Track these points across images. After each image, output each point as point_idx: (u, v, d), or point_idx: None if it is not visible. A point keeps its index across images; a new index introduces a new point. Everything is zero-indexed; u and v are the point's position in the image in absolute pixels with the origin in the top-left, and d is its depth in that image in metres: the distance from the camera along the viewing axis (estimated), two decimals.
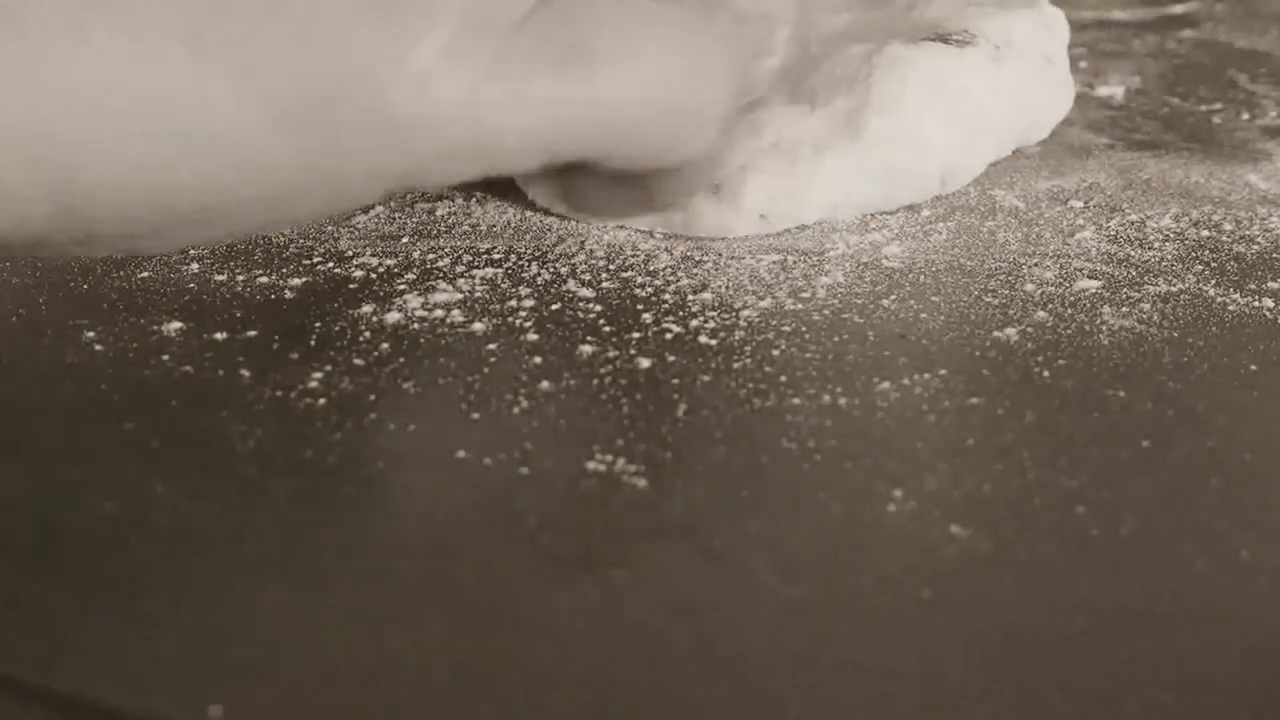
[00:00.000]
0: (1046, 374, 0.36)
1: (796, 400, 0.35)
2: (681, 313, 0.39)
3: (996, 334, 0.38)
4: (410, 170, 0.33)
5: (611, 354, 0.37)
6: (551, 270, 0.41)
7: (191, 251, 0.43)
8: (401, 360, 0.37)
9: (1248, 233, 0.43)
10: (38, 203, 0.30)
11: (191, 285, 0.41)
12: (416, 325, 0.39)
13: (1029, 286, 0.40)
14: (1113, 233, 0.43)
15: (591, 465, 0.33)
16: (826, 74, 0.43)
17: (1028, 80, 0.45)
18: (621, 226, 0.43)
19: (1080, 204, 0.45)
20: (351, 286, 0.41)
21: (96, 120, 0.30)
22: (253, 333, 0.38)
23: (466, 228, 0.44)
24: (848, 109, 0.42)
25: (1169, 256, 0.42)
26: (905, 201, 0.44)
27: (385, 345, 0.38)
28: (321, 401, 0.35)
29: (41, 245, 0.32)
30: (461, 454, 0.33)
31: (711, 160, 0.38)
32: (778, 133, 0.42)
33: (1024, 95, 0.45)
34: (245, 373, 0.37)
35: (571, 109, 0.33)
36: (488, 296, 0.40)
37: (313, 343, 0.38)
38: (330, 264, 0.42)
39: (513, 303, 0.40)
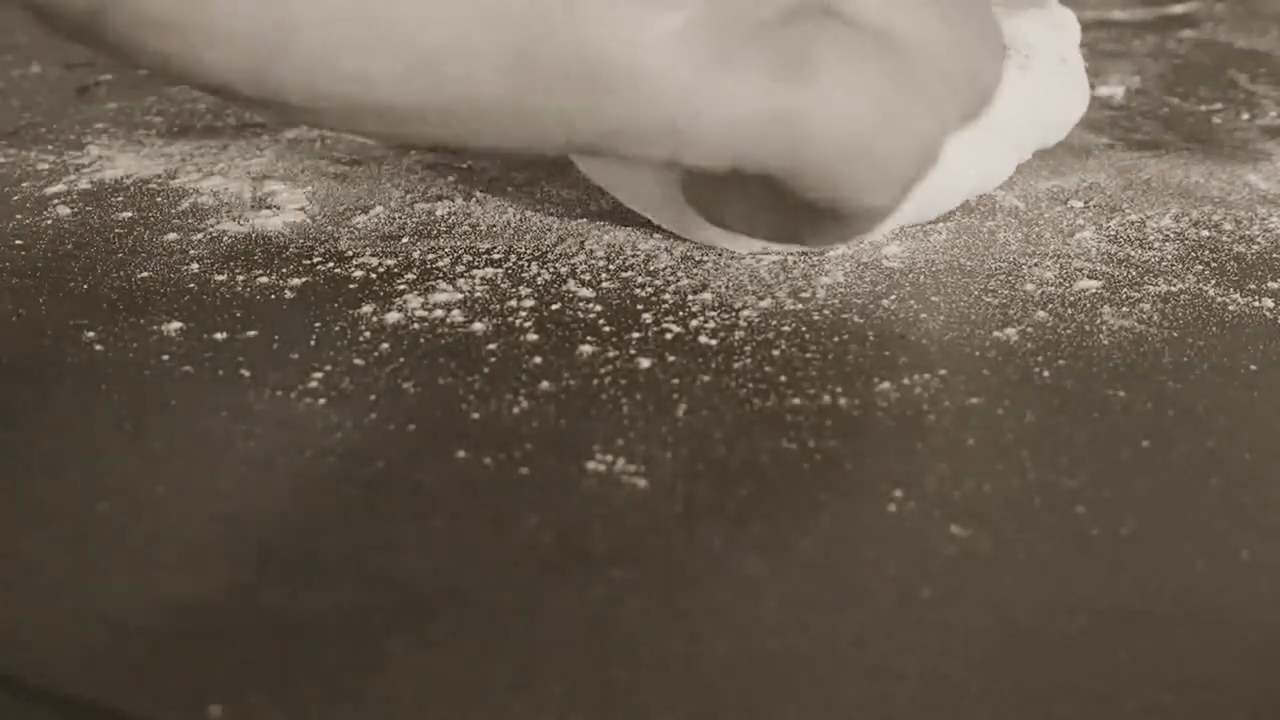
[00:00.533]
0: (1046, 374, 0.36)
1: (796, 400, 0.35)
2: (681, 313, 0.39)
3: (996, 334, 0.38)
4: (604, 130, 0.33)
5: (611, 354, 0.37)
6: (551, 270, 0.41)
7: (191, 251, 0.43)
8: (401, 360, 0.37)
9: (1248, 233, 0.43)
10: (264, 52, 0.32)
11: (191, 285, 0.41)
12: (416, 325, 0.39)
13: (1029, 286, 0.40)
14: (1113, 233, 0.43)
15: (591, 465, 0.33)
16: None
17: (1048, 86, 0.45)
18: (622, 226, 0.43)
19: (1080, 204, 0.45)
20: (351, 286, 0.41)
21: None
22: (253, 333, 0.38)
23: (466, 228, 0.44)
24: None
25: (1169, 256, 0.42)
26: (933, 217, 0.43)
27: (385, 345, 0.38)
28: (321, 401, 0.35)
29: (250, 88, 0.33)
30: (461, 454, 0.33)
31: (880, 216, 0.38)
32: None
33: (1044, 101, 0.45)
34: (245, 373, 0.37)
35: (780, 118, 0.33)
36: (488, 296, 0.40)
37: (313, 343, 0.38)
38: (330, 264, 0.42)
39: (513, 303, 0.40)
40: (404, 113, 0.33)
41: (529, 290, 0.40)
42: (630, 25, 0.32)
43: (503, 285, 0.40)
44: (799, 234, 0.39)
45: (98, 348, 0.38)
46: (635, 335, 0.38)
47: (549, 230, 0.44)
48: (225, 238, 0.44)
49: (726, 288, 0.40)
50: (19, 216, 0.46)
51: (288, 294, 0.40)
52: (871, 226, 0.39)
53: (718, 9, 0.32)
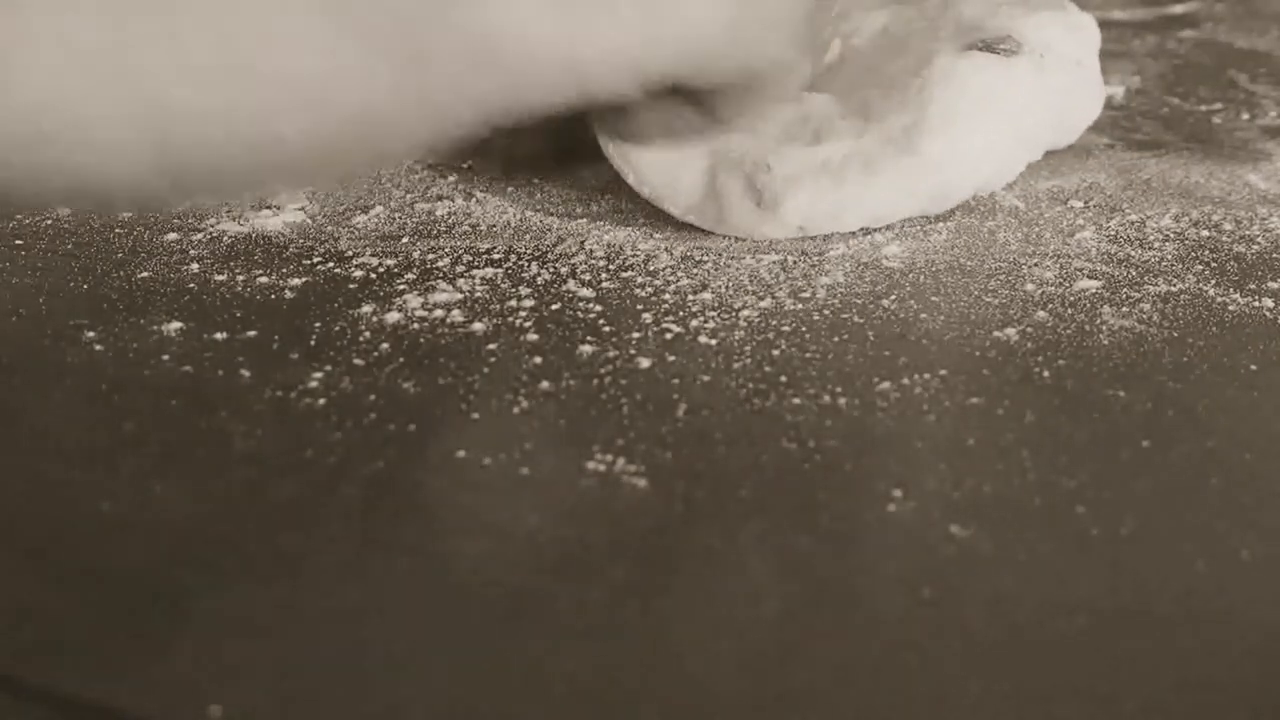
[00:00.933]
0: (1046, 374, 0.36)
1: (796, 400, 0.35)
2: (681, 313, 0.39)
3: (996, 334, 0.38)
4: (505, 92, 0.33)
5: (611, 354, 0.37)
6: (551, 270, 0.41)
7: (191, 251, 0.43)
8: (401, 360, 0.37)
9: (1248, 233, 0.43)
10: (141, 155, 0.31)
11: (191, 285, 0.41)
12: (416, 325, 0.39)
13: (1029, 286, 0.40)
14: (1113, 233, 0.43)
15: (591, 465, 0.33)
16: (877, 84, 0.43)
17: (1064, 87, 0.45)
18: (622, 226, 0.43)
19: (1080, 204, 0.45)
20: (351, 286, 0.41)
21: (187, 71, 0.30)
22: (253, 333, 0.38)
23: (466, 228, 0.44)
24: (903, 126, 0.42)
25: (1169, 256, 0.42)
26: (940, 210, 0.44)
27: (385, 345, 0.38)
28: (321, 401, 0.35)
29: (147, 198, 0.32)
30: (461, 454, 0.33)
31: (784, 75, 0.38)
32: (831, 150, 0.42)
33: (1060, 102, 0.45)
34: (245, 373, 0.37)
35: (658, 25, 0.33)
36: (488, 296, 0.40)
37: (313, 343, 0.38)
38: (330, 264, 0.42)
39: (513, 303, 0.40)
40: (308, 152, 0.32)
41: (529, 290, 0.40)
42: None
43: (503, 285, 0.40)
44: (721, 116, 0.39)
45: (98, 348, 0.38)
46: (635, 335, 0.38)
47: (549, 230, 0.44)
48: (225, 238, 0.44)
49: (726, 288, 0.40)
50: (19, 216, 0.46)
51: (288, 294, 0.40)
52: (782, 84, 0.39)
53: None
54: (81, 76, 0.30)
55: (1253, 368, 0.36)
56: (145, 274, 0.42)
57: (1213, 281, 0.40)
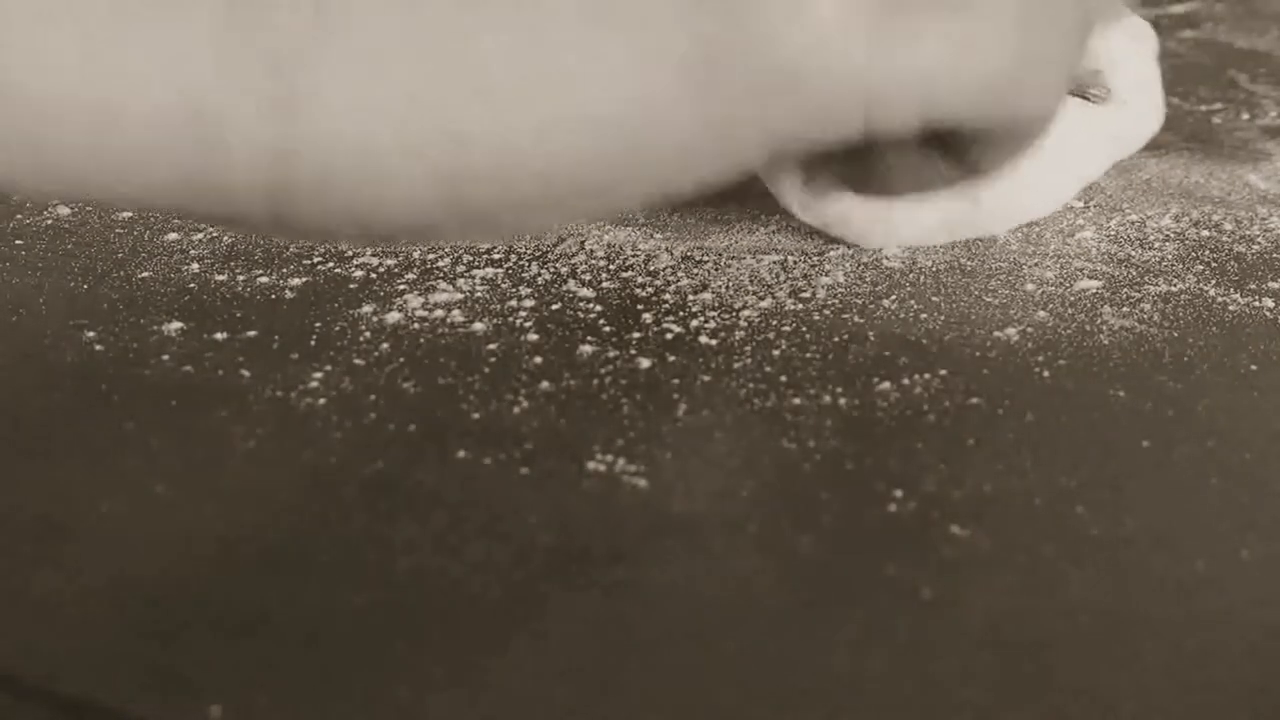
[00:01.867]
0: (1046, 374, 0.36)
1: (796, 400, 0.35)
2: (681, 313, 0.39)
3: (996, 334, 0.38)
4: (799, 127, 0.32)
5: (611, 354, 0.37)
6: (551, 270, 0.41)
7: (191, 251, 0.43)
8: (401, 360, 0.37)
9: (1248, 233, 0.43)
10: (425, 189, 0.29)
11: (191, 285, 0.41)
12: (416, 325, 0.39)
13: (1029, 286, 0.40)
14: (1113, 233, 0.43)
15: (591, 465, 0.33)
16: None
17: (1133, 114, 0.45)
18: (622, 226, 0.43)
19: (1080, 204, 0.45)
20: (351, 286, 0.41)
21: (485, 101, 0.29)
22: (253, 333, 0.38)
23: None
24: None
25: (1169, 256, 0.42)
26: (1007, 228, 0.44)
27: (385, 345, 0.38)
28: (321, 401, 0.35)
29: (428, 231, 0.31)
30: (461, 454, 0.33)
31: (1045, 124, 0.37)
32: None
33: (1129, 129, 0.45)
34: (245, 373, 0.37)
35: (953, 59, 0.33)
36: (488, 296, 0.40)
37: (313, 343, 0.38)
38: (330, 264, 0.42)
39: (513, 303, 0.40)
40: (598, 185, 0.31)
41: (529, 290, 0.40)
42: (790, 6, 0.30)
43: (503, 285, 0.40)
44: (975, 166, 0.39)
45: (98, 348, 0.38)
46: (635, 335, 0.38)
47: (549, 230, 0.44)
48: (225, 238, 0.44)
49: (726, 288, 0.40)
50: (19, 216, 0.46)
51: (288, 294, 0.40)
52: (1042, 131, 0.39)
53: None
54: (381, 112, 0.29)
55: (1253, 368, 0.36)
56: (145, 274, 0.42)
57: (1213, 281, 0.40)
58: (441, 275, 0.41)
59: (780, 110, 0.31)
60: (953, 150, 0.36)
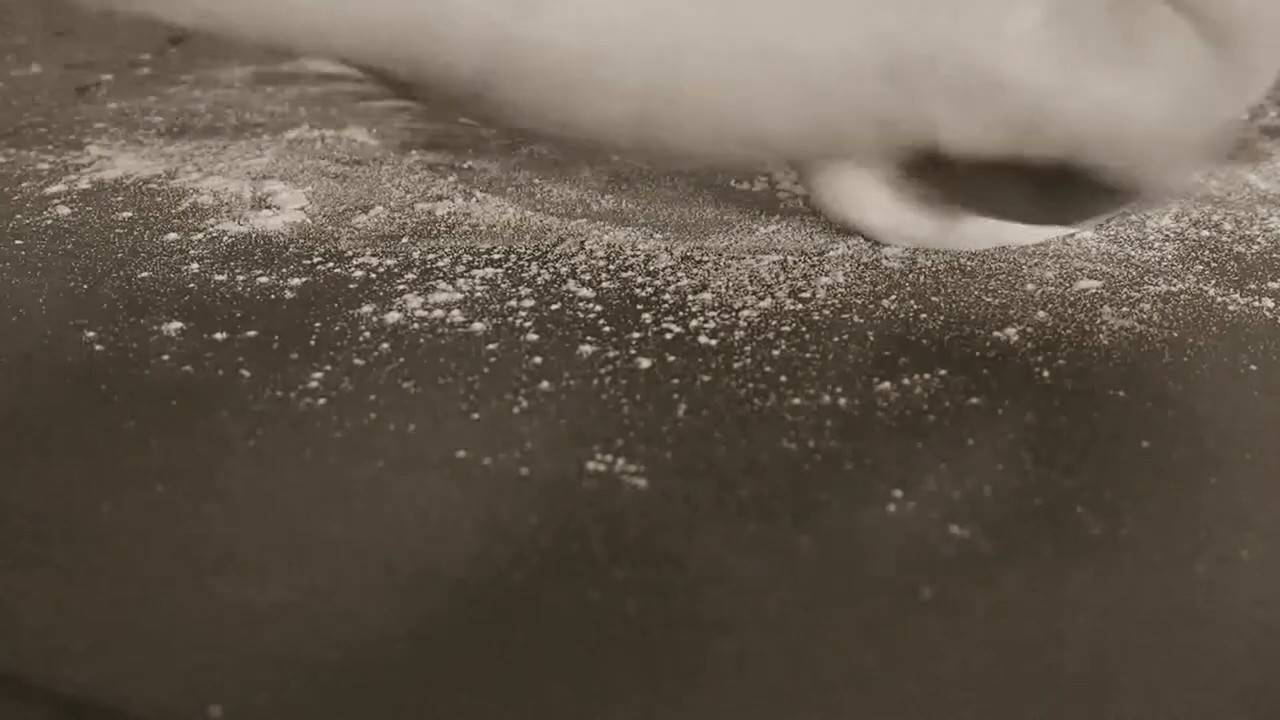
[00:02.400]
0: (1046, 374, 0.36)
1: (796, 400, 0.35)
2: (681, 313, 0.39)
3: (996, 334, 0.38)
4: (980, 131, 0.33)
5: (611, 354, 0.37)
6: (551, 270, 0.41)
7: (191, 251, 0.43)
8: (401, 360, 0.37)
9: (1248, 233, 0.43)
10: (625, 104, 0.32)
11: (191, 285, 0.41)
12: (416, 325, 0.39)
13: (1029, 286, 0.40)
14: (1113, 233, 0.43)
15: (591, 465, 0.33)
16: None
17: None
18: (622, 226, 0.43)
19: None
20: (351, 286, 0.41)
21: (705, 42, 0.31)
22: (253, 333, 0.38)
23: (466, 228, 0.44)
24: None
25: (1169, 256, 0.42)
26: None
27: (385, 345, 0.38)
28: (321, 401, 0.35)
29: (611, 143, 0.34)
30: (461, 454, 0.33)
31: (1177, 191, 0.38)
32: None
33: None
34: (245, 373, 0.37)
35: (1117, 105, 0.33)
36: (488, 296, 0.40)
37: (313, 343, 0.38)
38: (330, 264, 0.42)
39: (513, 303, 0.40)
40: (789, 139, 0.34)
41: (529, 290, 0.40)
42: (994, 23, 0.32)
43: (503, 285, 0.40)
44: (1083, 212, 0.39)
45: (98, 348, 0.38)
46: (635, 335, 0.38)
47: (549, 230, 0.44)
48: (225, 238, 0.44)
49: (726, 288, 0.40)
50: (19, 216, 0.46)
51: (288, 294, 0.40)
52: (1162, 198, 0.39)
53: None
54: (609, 23, 0.31)
55: (1253, 368, 0.36)
56: (145, 274, 0.42)
57: (1213, 281, 0.40)
58: (441, 275, 0.41)
59: (966, 112, 0.32)
60: (1072, 191, 0.37)
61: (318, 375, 0.36)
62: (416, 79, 0.33)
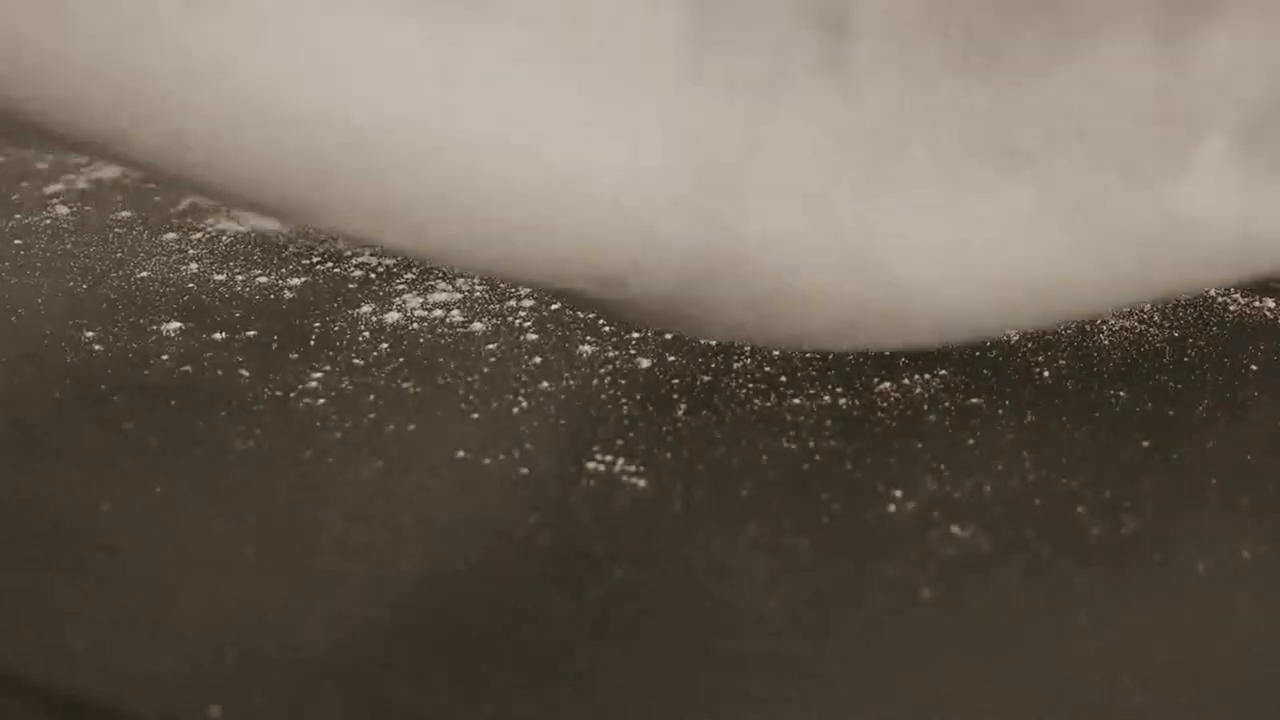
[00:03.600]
0: (1046, 374, 0.36)
1: (796, 400, 0.35)
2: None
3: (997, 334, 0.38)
4: (1180, 273, 0.33)
5: (611, 354, 0.37)
6: None
7: (190, 251, 0.43)
8: (401, 360, 0.37)
9: None
10: (827, 320, 0.31)
11: (190, 285, 0.41)
12: (416, 325, 0.39)
13: None
14: None
15: (591, 465, 0.33)
16: None
17: None
18: None
19: None
20: (351, 286, 0.41)
21: (910, 251, 0.31)
22: (252, 333, 0.38)
23: None
24: None
25: None
26: None
27: (385, 345, 0.38)
28: (321, 401, 0.35)
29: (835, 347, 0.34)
30: (461, 454, 0.33)
31: None
32: None
33: None
34: (245, 373, 0.37)
35: None
36: (487, 296, 0.40)
37: (312, 343, 0.38)
38: (330, 264, 0.42)
39: (512, 303, 0.40)
40: (982, 320, 0.33)
41: (528, 290, 0.40)
42: (1177, 155, 0.31)
43: (502, 285, 0.40)
44: None
45: (96, 348, 0.38)
46: (635, 335, 0.38)
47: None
48: (225, 237, 0.44)
49: None
50: (18, 216, 0.46)
51: (287, 294, 0.40)
52: None
53: (1256, 115, 0.31)
54: (803, 247, 0.30)
55: (1253, 368, 0.36)
56: (144, 274, 0.42)
57: None
58: (441, 275, 0.41)
59: (1158, 253, 0.32)
60: None
61: (317, 375, 0.36)
62: (615, 303, 0.32)
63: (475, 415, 0.35)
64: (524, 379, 0.36)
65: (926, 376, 0.36)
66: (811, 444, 0.34)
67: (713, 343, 0.37)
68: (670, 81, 0.29)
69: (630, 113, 0.29)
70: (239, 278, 0.41)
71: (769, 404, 0.35)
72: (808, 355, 0.37)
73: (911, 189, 0.30)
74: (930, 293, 0.31)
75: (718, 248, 0.30)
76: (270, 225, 0.44)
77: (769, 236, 0.30)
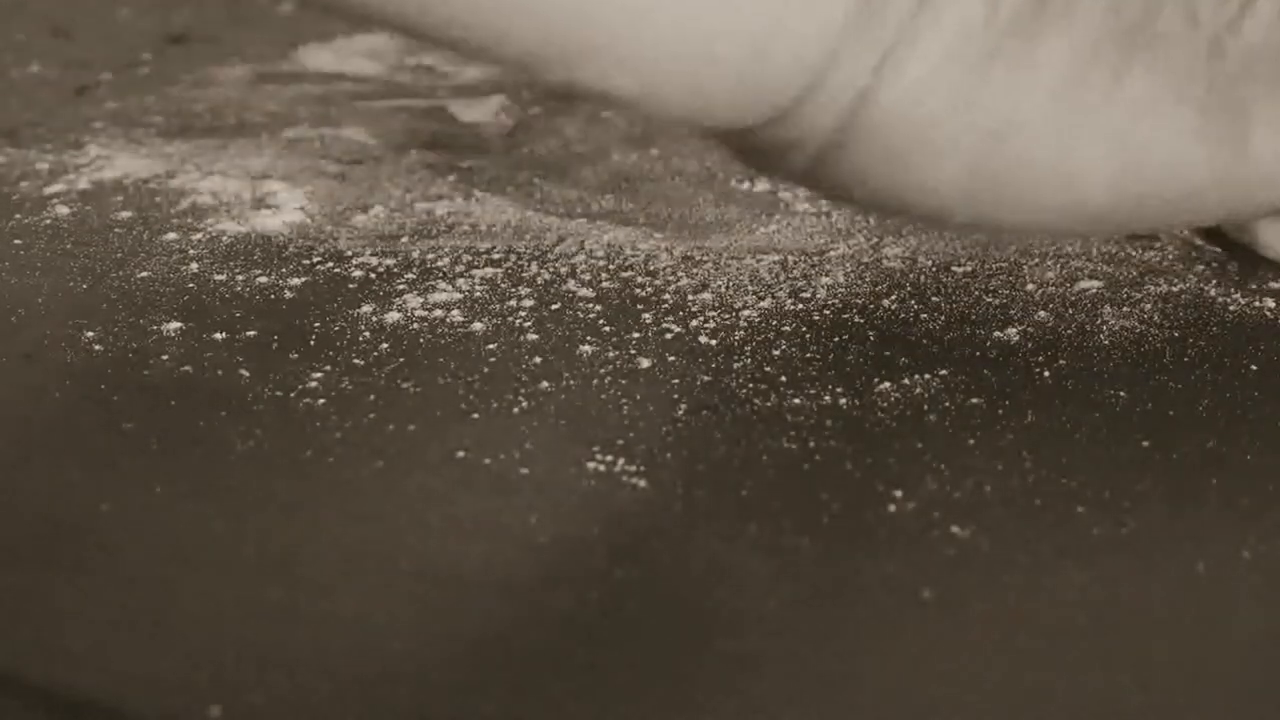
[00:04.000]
0: (1046, 374, 0.36)
1: (796, 400, 0.35)
2: (681, 313, 0.39)
3: (996, 334, 0.38)
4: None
5: (611, 354, 0.37)
6: (551, 270, 0.41)
7: (190, 251, 0.43)
8: (401, 360, 0.37)
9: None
10: (954, 185, 0.34)
11: (191, 285, 0.41)
12: (416, 325, 0.39)
13: (1029, 286, 0.40)
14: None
15: (591, 465, 0.33)
16: None
17: None
18: (622, 226, 0.43)
19: None
20: (351, 286, 0.41)
21: (1043, 124, 0.33)
22: (252, 333, 0.38)
23: (466, 228, 0.44)
24: None
25: (1170, 256, 0.42)
26: None
27: (385, 345, 0.38)
28: (321, 401, 0.35)
29: (939, 218, 0.37)
30: (461, 454, 0.33)
31: None
32: None
33: None
34: (245, 373, 0.37)
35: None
36: (487, 296, 0.40)
37: (312, 343, 0.38)
38: (330, 264, 0.42)
39: (513, 303, 0.40)
40: (1109, 212, 0.35)
41: (529, 290, 0.40)
42: None
43: (503, 285, 0.40)
44: None
45: (96, 348, 0.38)
46: (635, 335, 0.38)
47: (549, 230, 0.44)
48: (225, 237, 0.44)
49: (726, 288, 0.40)
50: (18, 216, 0.46)
51: (287, 294, 0.40)
52: None
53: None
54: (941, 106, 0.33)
55: (1253, 368, 0.36)
56: (144, 274, 0.42)
57: (1213, 281, 0.40)
58: (441, 275, 0.41)
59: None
60: None
61: (317, 375, 0.36)
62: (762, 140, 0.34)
63: (475, 415, 0.35)
64: (524, 379, 0.36)
65: (926, 376, 0.36)
66: (811, 444, 0.34)
67: (713, 343, 0.37)
68: None
69: None
70: (239, 278, 0.41)
71: (769, 404, 0.35)
72: (808, 355, 0.37)
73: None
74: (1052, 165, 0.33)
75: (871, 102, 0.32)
76: (273, 224, 0.44)
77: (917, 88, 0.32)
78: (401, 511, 0.32)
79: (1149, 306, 0.39)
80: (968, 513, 0.31)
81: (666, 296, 0.40)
